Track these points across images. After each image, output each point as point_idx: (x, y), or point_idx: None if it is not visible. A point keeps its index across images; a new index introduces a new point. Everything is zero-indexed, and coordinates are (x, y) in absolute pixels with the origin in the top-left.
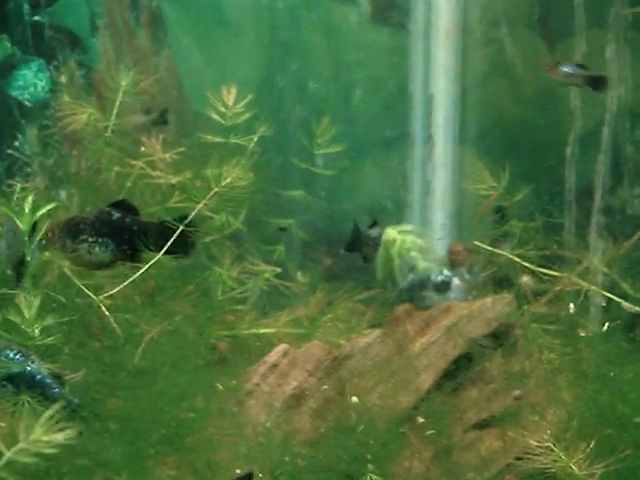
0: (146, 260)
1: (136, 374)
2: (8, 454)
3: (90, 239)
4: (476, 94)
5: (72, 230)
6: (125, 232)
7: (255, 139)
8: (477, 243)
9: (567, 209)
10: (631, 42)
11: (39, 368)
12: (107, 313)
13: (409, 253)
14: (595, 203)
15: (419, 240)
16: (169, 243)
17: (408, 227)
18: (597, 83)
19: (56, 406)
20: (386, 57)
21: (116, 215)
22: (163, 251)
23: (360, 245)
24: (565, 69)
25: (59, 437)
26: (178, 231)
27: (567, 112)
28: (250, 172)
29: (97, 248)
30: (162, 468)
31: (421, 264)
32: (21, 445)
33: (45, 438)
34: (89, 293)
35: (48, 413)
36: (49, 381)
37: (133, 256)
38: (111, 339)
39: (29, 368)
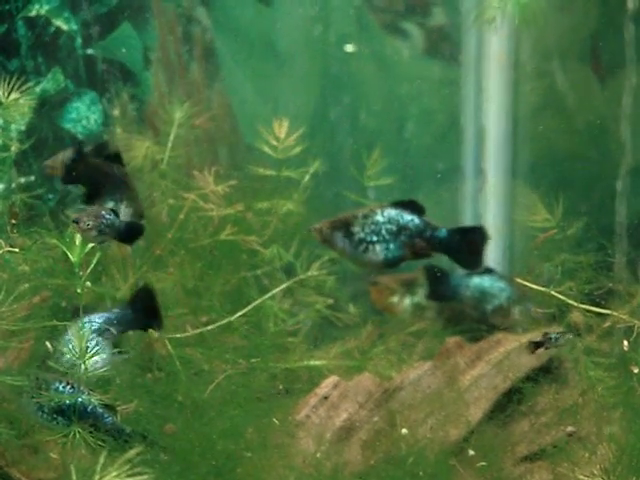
0: None
1: (188, 406)
2: None
3: (374, 238)
4: (527, 127)
5: (344, 230)
6: (412, 234)
7: (308, 172)
8: (520, 280)
9: (618, 243)
10: None
11: (90, 399)
12: (169, 348)
13: None
14: None
15: None
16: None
17: None
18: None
19: (134, 451)
20: (438, 90)
21: (406, 216)
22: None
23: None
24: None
25: None
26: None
27: (618, 145)
28: (303, 205)
29: (378, 247)
30: None
31: None
32: None
33: None
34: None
35: (127, 455)
36: (100, 411)
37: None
38: (162, 370)
39: (80, 400)
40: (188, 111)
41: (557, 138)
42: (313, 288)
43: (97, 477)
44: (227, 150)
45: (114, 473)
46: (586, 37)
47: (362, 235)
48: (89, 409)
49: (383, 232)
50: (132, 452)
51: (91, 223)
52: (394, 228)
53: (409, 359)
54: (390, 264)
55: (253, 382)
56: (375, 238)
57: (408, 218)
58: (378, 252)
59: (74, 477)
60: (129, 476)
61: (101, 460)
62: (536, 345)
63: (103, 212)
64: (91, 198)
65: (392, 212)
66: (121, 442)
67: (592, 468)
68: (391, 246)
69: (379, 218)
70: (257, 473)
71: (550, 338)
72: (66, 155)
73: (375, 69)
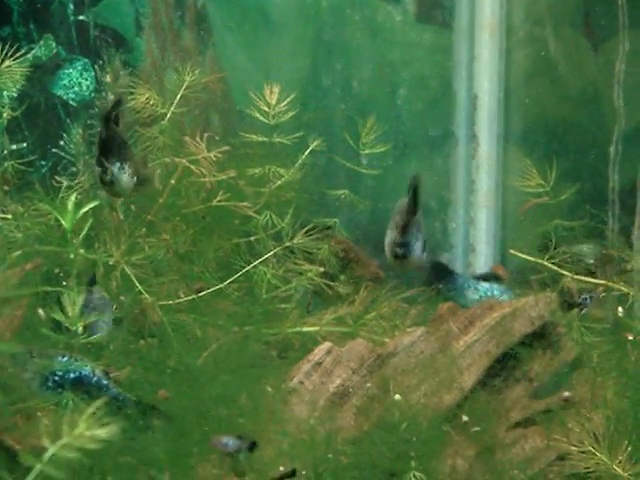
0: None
1: (181, 373)
2: (51, 449)
3: None
4: (520, 93)
5: None
6: None
7: (304, 144)
8: (512, 251)
9: (611, 208)
10: None
11: (93, 370)
12: (160, 314)
13: None
14: (639, 202)
15: None
16: None
17: None
18: None
19: (99, 402)
20: (430, 56)
21: None
22: None
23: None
24: None
25: (102, 432)
26: None
27: (611, 111)
28: (297, 171)
29: None
30: (205, 466)
31: None
32: (64, 440)
33: (88, 433)
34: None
35: (91, 408)
36: (105, 382)
37: None
38: (156, 337)
39: (84, 372)
40: (198, 76)
41: (550, 104)
42: (305, 256)
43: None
44: (219, 116)
45: (82, 425)
46: (579, 3)
47: None
48: (94, 380)
49: None
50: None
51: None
52: None
53: (402, 325)
54: None
55: (246, 348)
56: None
57: None
58: None
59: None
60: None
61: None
62: (570, 305)
63: None
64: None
65: None
66: (117, 409)
67: (586, 434)
68: None
69: None
70: None
71: (585, 298)
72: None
73: (367, 35)
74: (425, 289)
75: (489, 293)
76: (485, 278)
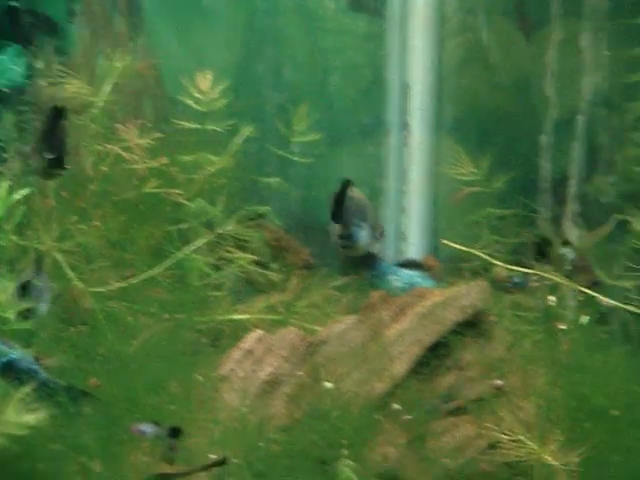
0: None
1: (112, 360)
2: None
3: None
4: (452, 82)
5: None
6: None
7: (232, 126)
8: (445, 242)
9: (542, 197)
10: (607, 30)
11: (24, 356)
12: (91, 301)
13: None
14: (570, 191)
15: None
16: None
17: None
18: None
19: (27, 388)
20: (363, 44)
21: None
22: None
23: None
24: None
25: (31, 419)
26: None
27: (542, 100)
28: (229, 159)
29: None
30: (136, 454)
31: None
32: None
33: (15, 419)
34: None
35: (19, 395)
36: (35, 368)
37: None
38: (87, 324)
39: (14, 357)
40: (131, 63)
41: (482, 93)
42: (237, 244)
43: None
44: (151, 104)
45: (10, 411)
46: None
47: None
48: (23, 365)
49: None
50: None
51: None
52: None
53: (334, 313)
54: None
55: (177, 336)
56: None
57: None
58: None
59: None
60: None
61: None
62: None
63: None
64: None
65: None
66: (47, 395)
67: (517, 422)
68: None
69: None
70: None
71: (516, 282)
72: None
73: (300, 22)
74: (356, 277)
75: (412, 281)
76: (408, 265)
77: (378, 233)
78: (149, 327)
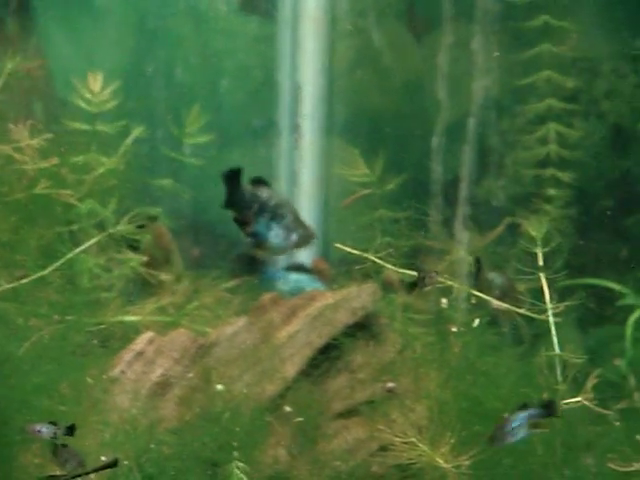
0: None
1: (2, 362)
2: None
3: None
4: (344, 84)
5: None
6: None
7: (123, 127)
8: (339, 245)
9: (433, 200)
10: (498, 33)
11: None
12: None
13: None
14: (460, 194)
15: None
16: None
17: None
18: None
19: None
20: (254, 46)
21: None
22: None
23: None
24: None
25: None
26: None
27: (434, 103)
28: (119, 160)
29: None
30: (26, 455)
31: None
32: None
33: None
34: None
35: None
36: None
37: None
38: None
39: None
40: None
41: (373, 95)
42: (129, 245)
43: None
44: (42, 104)
45: None
46: None
47: None
48: None
49: None
50: None
51: None
52: None
53: (225, 315)
54: None
55: (68, 338)
56: None
57: None
58: None
59: None
60: None
61: None
62: (412, 285)
63: None
64: None
65: None
66: None
67: (409, 425)
68: None
69: None
70: None
71: (424, 278)
72: None
73: (191, 23)
74: (247, 279)
75: (299, 284)
76: (295, 269)
77: (300, 237)
78: (39, 328)
